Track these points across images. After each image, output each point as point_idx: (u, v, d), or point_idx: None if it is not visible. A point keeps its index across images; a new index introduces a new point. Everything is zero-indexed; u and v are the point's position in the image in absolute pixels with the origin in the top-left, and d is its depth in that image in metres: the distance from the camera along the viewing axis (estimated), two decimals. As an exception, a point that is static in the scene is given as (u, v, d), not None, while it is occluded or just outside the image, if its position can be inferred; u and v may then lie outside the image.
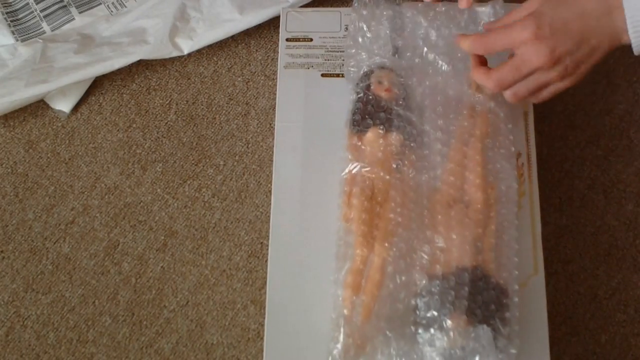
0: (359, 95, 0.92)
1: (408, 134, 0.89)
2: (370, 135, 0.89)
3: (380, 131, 0.88)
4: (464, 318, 0.80)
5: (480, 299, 0.81)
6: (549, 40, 0.78)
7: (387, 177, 0.86)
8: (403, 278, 0.83)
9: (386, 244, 0.84)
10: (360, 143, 0.89)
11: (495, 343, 0.79)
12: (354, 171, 0.88)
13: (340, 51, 1.01)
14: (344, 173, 0.88)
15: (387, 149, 0.88)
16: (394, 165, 0.87)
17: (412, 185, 0.87)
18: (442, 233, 0.84)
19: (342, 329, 0.81)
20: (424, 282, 0.82)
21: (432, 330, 0.80)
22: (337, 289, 0.84)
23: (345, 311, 0.82)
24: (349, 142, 0.90)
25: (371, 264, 0.83)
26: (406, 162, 0.88)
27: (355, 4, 0.96)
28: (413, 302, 0.82)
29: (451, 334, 0.79)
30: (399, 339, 0.81)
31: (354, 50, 0.95)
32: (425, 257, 0.83)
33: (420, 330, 0.81)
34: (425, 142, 0.89)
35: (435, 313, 0.80)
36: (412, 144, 0.89)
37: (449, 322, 0.79)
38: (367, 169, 0.87)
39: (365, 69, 0.94)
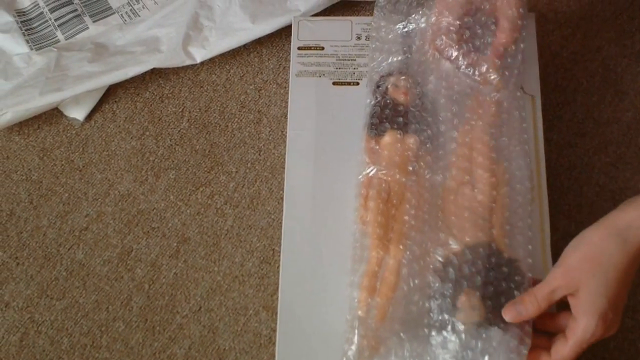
0: (377, 100, 0.92)
1: (425, 135, 0.90)
2: (387, 138, 0.89)
3: (399, 135, 0.89)
4: (477, 295, 0.81)
5: (493, 274, 0.82)
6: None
7: (403, 179, 0.87)
8: (417, 281, 0.83)
9: (401, 246, 0.84)
10: (377, 146, 0.90)
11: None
12: (370, 174, 0.88)
13: (352, 59, 1.01)
14: (360, 176, 0.89)
15: (404, 152, 0.89)
16: (410, 168, 0.88)
17: (427, 187, 0.88)
18: (455, 236, 0.85)
19: (356, 331, 0.82)
20: (437, 285, 0.83)
21: (444, 333, 0.81)
22: (352, 290, 0.84)
23: (360, 313, 0.82)
24: (366, 146, 0.91)
25: (386, 266, 0.84)
26: (422, 164, 0.89)
27: (376, 12, 0.98)
28: (427, 304, 0.83)
29: (462, 335, 0.80)
30: (412, 340, 0.82)
31: (374, 55, 0.97)
32: (439, 259, 0.84)
33: (433, 333, 0.82)
34: (440, 142, 0.90)
35: (447, 316, 0.81)
36: (428, 145, 0.89)
37: (462, 299, 0.81)
38: (384, 171, 0.88)
39: (383, 73, 0.95)
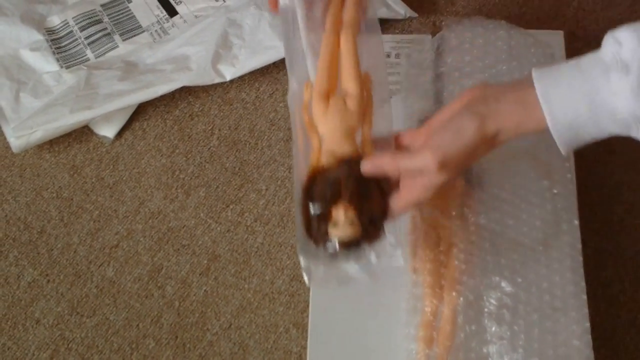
0: None
1: (467, 179, 0.90)
2: None
3: None
4: (352, 208, 0.74)
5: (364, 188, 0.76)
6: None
7: (448, 223, 0.87)
8: (473, 327, 0.84)
9: (454, 293, 0.84)
10: None
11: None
12: (416, 220, 0.88)
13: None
14: (406, 223, 0.90)
15: (449, 197, 0.89)
16: (453, 213, 0.88)
17: (473, 230, 0.88)
18: (507, 277, 0.85)
19: None
20: (493, 329, 0.83)
21: None
22: (409, 343, 0.85)
23: None
24: None
25: (441, 314, 0.84)
26: (465, 208, 0.89)
27: (405, 62, 0.99)
28: (485, 349, 0.83)
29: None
30: None
31: (407, 102, 0.98)
32: (494, 302, 0.84)
33: None
34: (482, 186, 0.90)
35: None
36: (469, 190, 0.89)
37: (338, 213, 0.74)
38: (430, 216, 0.88)
39: (419, 117, 0.95)
